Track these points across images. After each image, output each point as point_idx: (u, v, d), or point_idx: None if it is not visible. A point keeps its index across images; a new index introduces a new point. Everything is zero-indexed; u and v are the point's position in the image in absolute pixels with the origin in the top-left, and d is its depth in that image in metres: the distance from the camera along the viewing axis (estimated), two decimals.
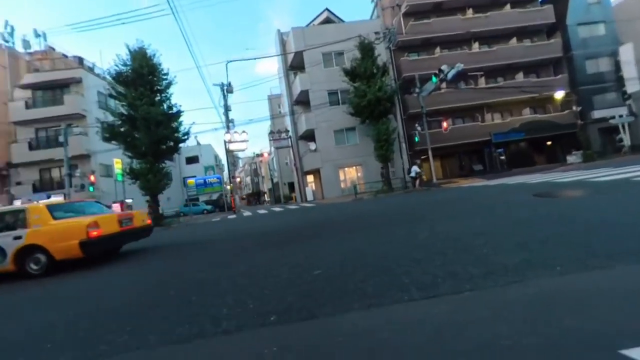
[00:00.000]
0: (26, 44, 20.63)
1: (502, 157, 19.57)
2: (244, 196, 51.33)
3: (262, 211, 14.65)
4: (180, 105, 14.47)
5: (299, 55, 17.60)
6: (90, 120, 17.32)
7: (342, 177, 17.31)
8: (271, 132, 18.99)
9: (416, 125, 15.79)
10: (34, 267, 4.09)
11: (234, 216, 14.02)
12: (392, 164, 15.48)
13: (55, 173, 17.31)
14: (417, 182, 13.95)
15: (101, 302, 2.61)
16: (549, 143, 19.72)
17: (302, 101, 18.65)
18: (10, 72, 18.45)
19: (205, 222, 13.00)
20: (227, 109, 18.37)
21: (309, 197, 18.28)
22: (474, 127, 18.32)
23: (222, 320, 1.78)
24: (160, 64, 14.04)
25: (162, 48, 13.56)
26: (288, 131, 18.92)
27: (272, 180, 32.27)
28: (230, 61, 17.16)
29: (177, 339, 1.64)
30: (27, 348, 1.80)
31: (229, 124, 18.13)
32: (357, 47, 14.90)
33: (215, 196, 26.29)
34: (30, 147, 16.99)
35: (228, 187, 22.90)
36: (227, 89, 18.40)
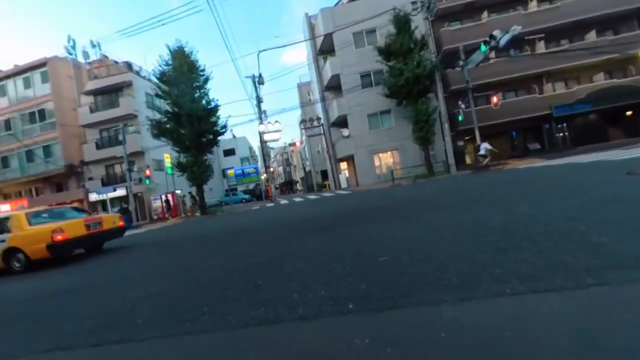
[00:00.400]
0: (85, 54, 23.16)
1: (565, 134, 16.99)
2: (277, 185, 53.16)
3: (298, 199, 14.92)
4: (217, 100, 15.13)
5: (328, 38, 16.96)
6: (142, 119, 19.07)
7: (377, 162, 16.71)
8: (302, 121, 18.94)
9: (459, 102, 14.35)
10: (17, 264, 4.81)
11: (272, 204, 14.51)
12: (432, 147, 14.43)
13: (118, 169, 19.61)
14: (487, 160, 12.38)
15: (169, 282, 2.79)
16: (628, 113, 16.53)
17: (333, 86, 18.14)
18: (75, 81, 20.99)
19: (247, 210, 13.66)
20: (259, 100, 18.71)
21: (343, 184, 18.09)
22: (530, 101, 16.06)
23: (296, 306, 1.73)
24: (197, 61, 14.69)
25: (193, 45, 14.48)
26: (319, 118, 18.68)
27: (304, 169, 32.65)
28: (262, 50, 17.15)
29: (254, 321, 1.63)
30: (120, 324, 1.96)
31: (261, 115, 18.52)
32: (391, 21, 13.80)
33: (251, 186, 27.61)
34: (97, 147, 19.39)
35: (263, 176, 23.74)
36: (258, 81, 18.67)
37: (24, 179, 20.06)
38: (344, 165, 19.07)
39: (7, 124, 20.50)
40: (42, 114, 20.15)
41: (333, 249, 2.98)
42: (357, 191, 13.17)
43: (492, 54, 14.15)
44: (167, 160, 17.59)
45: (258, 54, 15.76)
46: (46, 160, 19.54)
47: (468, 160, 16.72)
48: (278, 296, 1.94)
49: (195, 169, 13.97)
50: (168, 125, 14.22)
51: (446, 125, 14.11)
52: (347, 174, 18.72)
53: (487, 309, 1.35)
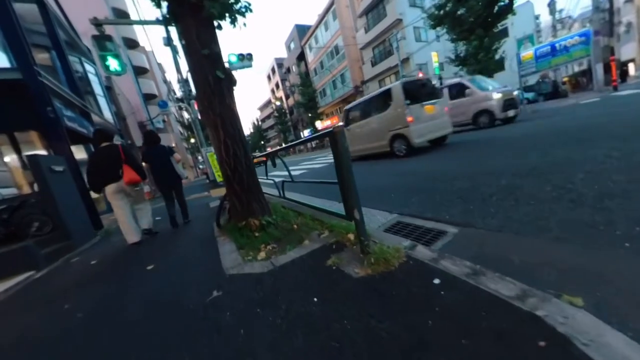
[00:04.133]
0: None
1: None
2: (565, 79, 34.05)
3: None
4: None
5: None
6: (406, 21, 18.33)
7: None
8: None
9: None
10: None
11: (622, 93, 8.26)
12: None
13: (387, 81, 21.79)
14: None
15: None
16: None
17: None
18: (351, 8, 24.24)
19: (559, 107, 8.96)
20: None
21: None
22: None
23: None
24: None
25: None
26: None
27: None
28: None
29: None
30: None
31: None
32: None
33: (530, 81, 19.20)
34: (372, 64, 22.38)
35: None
36: None
37: (334, 102, 29.18)
38: None
39: (322, 64, 29.70)
40: (336, 50, 26.36)
41: None
42: None
43: None
44: (435, 59, 16.08)
45: None
46: (343, 85, 26.42)
47: None
48: None
49: (482, 56, 11.04)
50: (447, 8, 11.83)
51: None
52: None
53: None
